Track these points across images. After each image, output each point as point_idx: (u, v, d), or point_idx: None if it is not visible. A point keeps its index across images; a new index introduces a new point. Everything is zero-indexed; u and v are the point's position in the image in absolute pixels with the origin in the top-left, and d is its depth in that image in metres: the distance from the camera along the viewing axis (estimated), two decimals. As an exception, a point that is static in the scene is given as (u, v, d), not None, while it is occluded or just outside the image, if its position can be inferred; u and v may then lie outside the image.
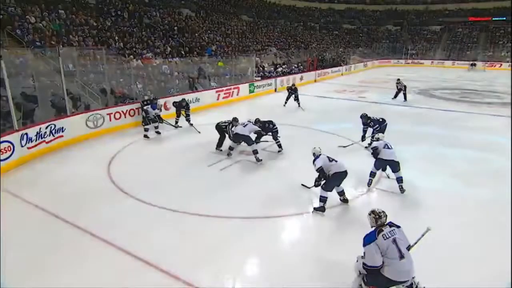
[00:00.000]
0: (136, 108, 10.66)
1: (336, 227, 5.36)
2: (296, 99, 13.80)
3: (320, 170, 5.59)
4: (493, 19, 38.88)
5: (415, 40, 40.71)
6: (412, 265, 3.35)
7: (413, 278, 3.43)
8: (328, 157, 5.71)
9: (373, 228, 3.49)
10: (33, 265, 4.28)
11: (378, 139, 6.52)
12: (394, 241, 3.33)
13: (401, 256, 3.29)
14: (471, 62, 31.79)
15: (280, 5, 40.50)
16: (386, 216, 3.52)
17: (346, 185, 5.85)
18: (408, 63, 36.25)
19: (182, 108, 10.70)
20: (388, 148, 6.22)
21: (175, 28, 21.27)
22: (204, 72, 11.16)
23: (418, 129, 11.01)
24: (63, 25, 15.07)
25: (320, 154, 5.76)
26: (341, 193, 5.83)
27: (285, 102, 14.04)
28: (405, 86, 15.75)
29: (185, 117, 10.74)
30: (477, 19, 39.70)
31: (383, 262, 3.32)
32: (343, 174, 5.57)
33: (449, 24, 41.40)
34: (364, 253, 3.44)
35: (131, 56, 14.52)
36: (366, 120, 8.70)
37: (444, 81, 23.14)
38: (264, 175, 7.29)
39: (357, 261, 3.56)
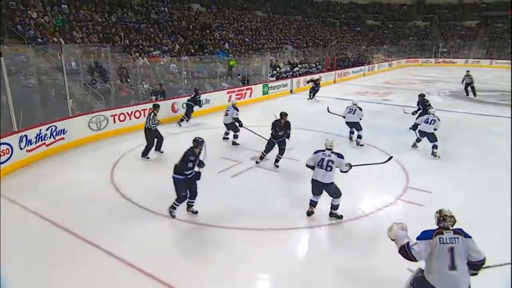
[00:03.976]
0: (142, 110, 10.81)
1: (349, 240, 5.31)
2: (315, 92, 16.25)
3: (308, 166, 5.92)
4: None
5: (447, 37, 40.21)
6: (463, 280, 3.34)
7: None
8: (323, 159, 5.59)
9: (435, 228, 3.50)
10: (31, 274, 4.37)
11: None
12: (451, 250, 3.32)
13: (452, 268, 3.29)
14: None
15: (298, -1, 40.73)
16: (453, 222, 3.49)
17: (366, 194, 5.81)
18: (439, 62, 35.83)
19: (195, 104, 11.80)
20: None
21: (185, 24, 21.57)
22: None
23: (450, 136, 10.79)
24: (66, 21, 15.40)
25: (323, 150, 5.71)
26: (332, 207, 5.77)
27: (309, 96, 16.44)
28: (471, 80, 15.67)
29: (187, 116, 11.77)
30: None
31: (430, 266, 3.38)
32: (318, 184, 5.58)
33: (487, 18, 40.62)
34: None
35: (137, 54, 14.75)
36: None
37: (482, 83, 22.68)
38: (275, 182, 7.29)
39: (390, 228, 3.63)
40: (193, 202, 5.85)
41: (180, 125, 11.47)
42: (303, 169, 7.64)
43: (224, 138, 10.06)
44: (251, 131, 9.39)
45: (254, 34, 26.03)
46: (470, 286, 3.41)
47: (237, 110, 9.58)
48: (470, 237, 3.41)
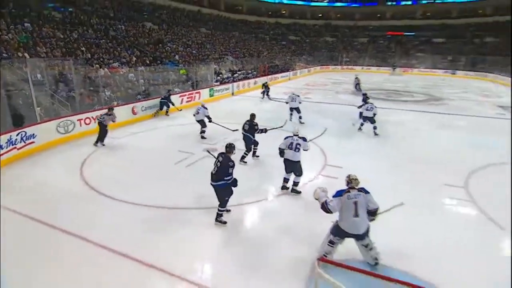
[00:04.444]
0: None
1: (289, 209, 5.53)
2: (267, 93, 16.61)
3: (279, 151, 5.91)
4: (405, 34, 42.09)
5: (348, 50, 42.49)
6: (363, 224, 3.76)
7: (370, 240, 3.82)
8: (292, 142, 5.79)
9: (345, 188, 3.85)
10: (14, 268, 3.96)
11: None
12: (355, 203, 3.72)
13: (356, 215, 3.71)
14: (393, 65, 34.09)
15: (235, 19, 40.54)
16: (356, 183, 3.85)
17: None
18: (344, 68, 37.81)
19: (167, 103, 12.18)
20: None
21: (140, 39, 20.41)
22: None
23: (350, 123, 11.59)
24: (30, 37, 13.82)
25: (291, 136, 5.92)
26: (294, 183, 5.95)
27: (262, 96, 16.59)
28: None
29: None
30: (393, 34, 42.69)
31: (341, 215, 3.79)
32: (290, 162, 5.79)
33: (373, 37, 43.96)
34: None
35: (97, 66, 13.70)
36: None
37: (372, 84, 24.51)
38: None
39: (315, 191, 4.01)
40: (222, 210, 4.96)
41: (168, 115, 12.44)
42: (249, 156, 7.77)
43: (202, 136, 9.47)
44: (219, 124, 9.30)
45: (200, 47, 25.41)
46: (369, 227, 3.82)
47: (207, 108, 9.40)
48: (368, 192, 3.82)
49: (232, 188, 4.80)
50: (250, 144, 7.47)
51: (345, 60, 39.13)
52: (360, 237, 3.81)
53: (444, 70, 33.34)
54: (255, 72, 23.68)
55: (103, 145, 8.64)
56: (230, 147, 4.84)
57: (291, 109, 11.49)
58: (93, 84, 11.93)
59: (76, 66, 12.18)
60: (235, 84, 18.71)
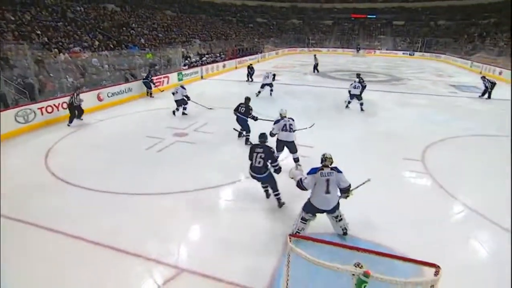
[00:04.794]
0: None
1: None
2: (251, 75, 16.59)
3: (271, 134, 5.84)
4: (367, 16, 42.80)
5: (314, 32, 42.65)
6: (333, 200, 3.91)
7: (339, 211, 4.04)
8: (285, 124, 5.91)
9: (319, 166, 3.92)
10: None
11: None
12: (327, 180, 3.83)
13: (327, 192, 3.83)
14: (357, 46, 34.83)
15: (200, 1, 38.85)
16: (331, 162, 3.93)
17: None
18: (310, 50, 37.97)
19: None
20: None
21: (102, 22, 19.06)
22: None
23: (318, 104, 11.83)
24: (-25, 20, 12.43)
25: (284, 117, 5.98)
26: (294, 160, 6.18)
27: (248, 79, 16.56)
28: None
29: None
30: (357, 16, 43.24)
31: (313, 191, 3.91)
32: (284, 143, 5.97)
33: (338, 19, 44.30)
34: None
35: (56, 50, 12.68)
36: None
37: (338, 65, 24.94)
38: (194, 152, 7.17)
39: (290, 170, 4.20)
40: (278, 193, 4.82)
41: (152, 97, 12.67)
42: (219, 139, 7.71)
43: (173, 112, 9.82)
44: (196, 103, 9.87)
45: (166, 30, 24.26)
46: (338, 203, 3.99)
47: (185, 88, 9.83)
48: (341, 172, 3.93)
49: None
50: (247, 125, 7.44)
51: (311, 42, 39.31)
52: (331, 211, 3.99)
53: (403, 51, 34.64)
54: (223, 55, 23.14)
55: (81, 119, 9.15)
56: (263, 137, 4.71)
57: (263, 85, 12.77)
58: (53, 70, 11.06)
59: (32, 51, 11.21)
60: (203, 67, 18.22)
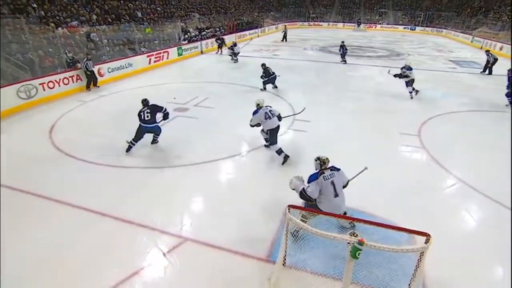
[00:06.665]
0: (69, 77, 9.35)
1: (259, 166, 5.63)
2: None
3: (252, 127, 5.59)
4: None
5: (315, 5, 41.06)
6: (343, 202, 3.58)
7: (344, 212, 3.66)
8: (266, 112, 5.46)
9: (317, 170, 3.60)
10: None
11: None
12: (332, 183, 3.48)
13: (336, 195, 3.48)
14: (358, 20, 33.68)
15: (199, -28, 37.05)
16: (328, 162, 3.61)
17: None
18: (311, 25, 36.81)
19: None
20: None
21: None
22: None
23: (320, 79, 11.63)
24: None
25: (261, 107, 5.56)
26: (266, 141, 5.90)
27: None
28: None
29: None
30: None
31: (320, 198, 3.49)
32: (276, 129, 5.56)
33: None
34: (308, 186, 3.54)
35: (53, 24, 12.25)
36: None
37: (338, 40, 24.20)
38: (195, 126, 7.13)
39: (291, 181, 3.63)
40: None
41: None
42: (219, 115, 7.65)
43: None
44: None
45: (164, 3, 23.33)
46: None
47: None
48: (339, 169, 3.65)
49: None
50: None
51: (312, 16, 37.96)
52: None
53: (405, 26, 33.55)
54: (223, 30, 22.43)
55: (98, 87, 9.86)
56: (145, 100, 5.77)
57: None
58: (52, 45, 10.76)
59: (30, 26, 10.83)
60: (203, 42, 17.74)
